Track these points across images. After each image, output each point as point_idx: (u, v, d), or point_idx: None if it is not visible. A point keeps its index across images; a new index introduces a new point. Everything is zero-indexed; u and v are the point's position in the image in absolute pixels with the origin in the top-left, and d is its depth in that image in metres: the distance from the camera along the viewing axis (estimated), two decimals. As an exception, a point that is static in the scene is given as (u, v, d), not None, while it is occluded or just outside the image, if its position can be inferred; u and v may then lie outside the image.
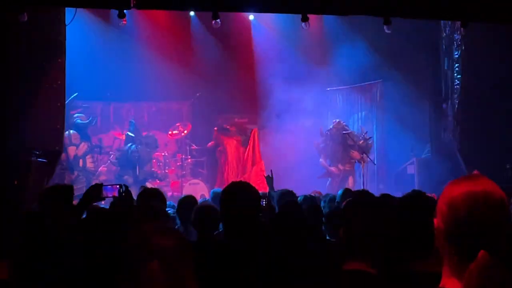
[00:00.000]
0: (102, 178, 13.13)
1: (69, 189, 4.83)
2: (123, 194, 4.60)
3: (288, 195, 6.00)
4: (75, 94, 12.49)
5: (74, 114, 12.68)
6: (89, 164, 12.54)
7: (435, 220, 1.76)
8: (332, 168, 13.87)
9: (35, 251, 2.96)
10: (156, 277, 1.75)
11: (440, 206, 1.75)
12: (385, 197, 4.88)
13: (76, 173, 12.31)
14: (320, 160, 14.12)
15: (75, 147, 12.39)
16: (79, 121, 12.61)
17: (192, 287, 1.83)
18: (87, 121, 12.78)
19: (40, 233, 3.05)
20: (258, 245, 3.26)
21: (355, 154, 13.60)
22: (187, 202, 5.52)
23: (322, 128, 14.16)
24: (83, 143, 12.50)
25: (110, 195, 4.63)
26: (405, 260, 2.67)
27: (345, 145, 13.81)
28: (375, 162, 13.78)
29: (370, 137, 13.99)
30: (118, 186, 4.71)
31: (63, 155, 12.16)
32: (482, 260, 1.50)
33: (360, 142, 13.73)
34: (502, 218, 1.67)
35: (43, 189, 5.81)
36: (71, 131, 12.38)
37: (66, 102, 12.39)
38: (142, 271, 1.76)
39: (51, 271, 3.03)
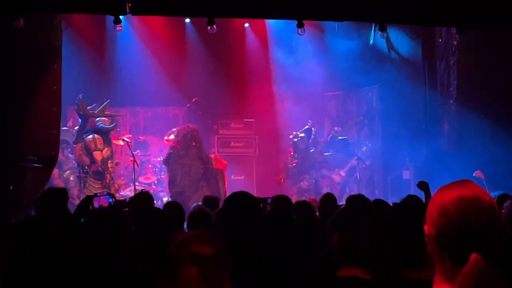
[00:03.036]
0: (121, 183, 13.15)
1: (63, 192, 4.83)
2: (113, 203, 4.63)
3: (281, 200, 5.99)
4: (107, 102, 12.49)
5: (96, 119, 12.66)
6: (110, 170, 12.56)
7: (426, 227, 1.76)
8: (334, 176, 13.86)
9: (30, 257, 2.95)
10: (194, 284, 1.76)
11: (431, 212, 1.75)
12: (379, 202, 4.88)
13: (108, 176, 12.31)
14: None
15: (100, 151, 12.39)
16: (102, 125, 12.59)
17: None
18: (111, 126, 12.78)
19: (36, 239, 3.04)
20: (255, 250, 3.26)
21: (353, 161, 13.66)
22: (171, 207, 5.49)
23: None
24: (106, 148, 12.50)
25: (98, 205, 4.66)
26: (399, 267, 2.67)
27: (347, 152, 13.84)
28: (370, 168, 13.79)
29: (370, 144, 14.02)
30: (108, 197, 4.73)
31: (86, 160, 12.18)
32: (475, 263, 1.51)
33: (363, 149, 13.78)
34: (493, 221, 1.67)
35: (38, 194, 5.80)
36: (96, 135, 12.37)
37: (98, 109, 12.49)
38: (181, 276, 1.77)
39: (47, 277, 3.02)
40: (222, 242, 1.92)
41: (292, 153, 13.82)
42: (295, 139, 13.63)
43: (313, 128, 14.02)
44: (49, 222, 3.95)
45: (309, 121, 14.16)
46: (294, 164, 13.65)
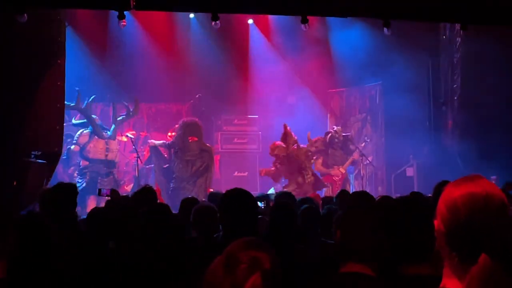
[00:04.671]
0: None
1: (73, 188, 4.81)
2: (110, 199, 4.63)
3: (285, 196, 5.99)
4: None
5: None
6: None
7: (436, 222, 1.74)
8: (334, 172, 13.81)
9: (33, 251, 2.95)
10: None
11: (440, 208, 1.72)
12: (385, 199, 4.86)
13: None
14: (316, 165, 13.98)
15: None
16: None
17: None
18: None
19: (39, 234, 3.04)
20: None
21: (355, 156, 13.63)
22: (189, 203, 5.51)
23: (310, 133, 13.99)
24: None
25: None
26: (400, 263, 2.66)
27: (346, 149, 13.80)
28: (374, 164, 13.76)
29: (369, 140, 14.00)
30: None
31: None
32: (484, 264, 1.48)
33: (362, 145, 13.74)
34: (502, 220, 1.65)
35: (41, 189, 5.80)
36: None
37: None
38: (243, 277, 1.76)
39: (49, 271, 3.02)
40: (278, 259, 1.89)
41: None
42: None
43: (331, 132, 13.91)
44: (53, 218, 3.95)
45: (334, 126, 14.18)
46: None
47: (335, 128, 14.01)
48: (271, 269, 1.78)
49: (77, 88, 12.17)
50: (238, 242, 1.87)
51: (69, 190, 4.74)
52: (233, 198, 3.51)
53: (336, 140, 13.69)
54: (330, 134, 13.80)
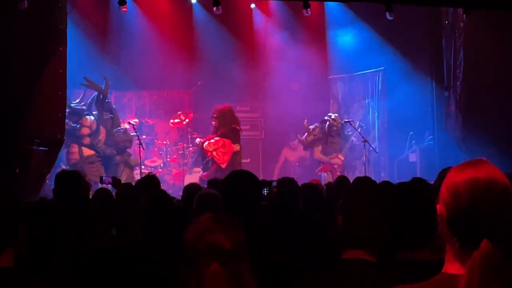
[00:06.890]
0: None
1: (77, 175, 4.81)
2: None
3: (287, 182, 5.99)
4: None
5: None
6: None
7: (438, 206, 1.72)
8: (334, 160, 13.81)
9: (41, 239, 2.96)
10: (219, 278, 1.73)
11: (443, 192, 1.71)
12: (385, 184, 4.87)
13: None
14: (315, 153, 13.97)
15: None
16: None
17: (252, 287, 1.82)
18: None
19: (47, 222, 3.05)
20: (257, 233, 3.25)
21: (349, 144, 13.68)
22: (192, 189, 5.50)
23: (306, 121, 13.95)
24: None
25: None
26: (402, 249, 2.67)
27: (344, 136, 13.81)
28: (377, 150, 13.75)
29: (364, 126, 13.98)
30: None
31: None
32: (485, 249, 1.47)
33: (358, 130, 13.72)
34: (505, 205, 1.62)
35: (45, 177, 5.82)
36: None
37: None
38: (204, 269, 1.74)
39: (57, 260, 3.04)
40: (239, 230, 1.85)
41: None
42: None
43: (329, 120, 13.86)
44: (63, 204, 3.95)
45: (330, 114, 14.11)
46: None
47: (332, 116, 13.98)
48: (232, 249, 1.75)
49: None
50: (194, 229, 1.83)
51: (72, 177, 4.75)
52: (236, 178, 3.47)
53: (334, 128, 13.70)
54: (328, 123, 13.77)
